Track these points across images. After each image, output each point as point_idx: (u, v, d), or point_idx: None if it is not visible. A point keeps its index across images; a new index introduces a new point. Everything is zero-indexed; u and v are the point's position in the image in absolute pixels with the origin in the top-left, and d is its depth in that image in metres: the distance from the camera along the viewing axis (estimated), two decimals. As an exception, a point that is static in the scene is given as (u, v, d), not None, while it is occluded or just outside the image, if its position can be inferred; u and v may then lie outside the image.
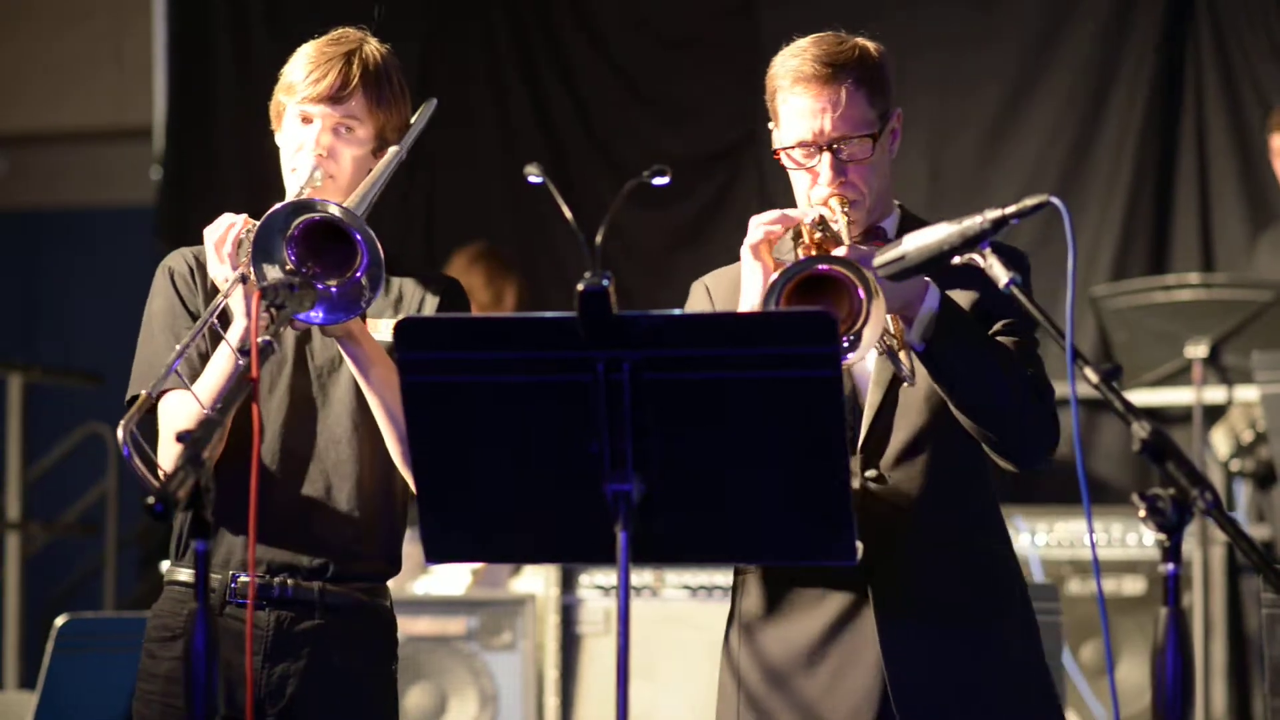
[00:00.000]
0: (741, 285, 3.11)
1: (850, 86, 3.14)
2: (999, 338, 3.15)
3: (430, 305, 3.36)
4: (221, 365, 3.21)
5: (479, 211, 8.15)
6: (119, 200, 9.22)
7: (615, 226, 2.72)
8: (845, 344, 2.93)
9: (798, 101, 3.15)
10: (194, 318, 3.31)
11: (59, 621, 4.21)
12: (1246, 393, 6.46)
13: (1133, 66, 7.50)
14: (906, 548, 3.13)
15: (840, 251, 3.03)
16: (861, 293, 2.95)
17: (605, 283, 2.57)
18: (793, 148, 3.16)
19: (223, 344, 3.20)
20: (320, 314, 3.10)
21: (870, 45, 3.20)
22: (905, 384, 3.11)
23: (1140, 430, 2.61)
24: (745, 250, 3.11)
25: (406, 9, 8.11)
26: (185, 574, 3.31)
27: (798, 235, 3.14)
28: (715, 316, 2.94)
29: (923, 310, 3.03)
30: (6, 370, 7.75)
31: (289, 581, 3.26)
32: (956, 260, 2.87)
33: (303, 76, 3.32)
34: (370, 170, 3.34)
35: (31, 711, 4.18)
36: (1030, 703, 3.19)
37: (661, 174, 2.95)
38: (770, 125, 3.24)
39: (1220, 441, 6.60)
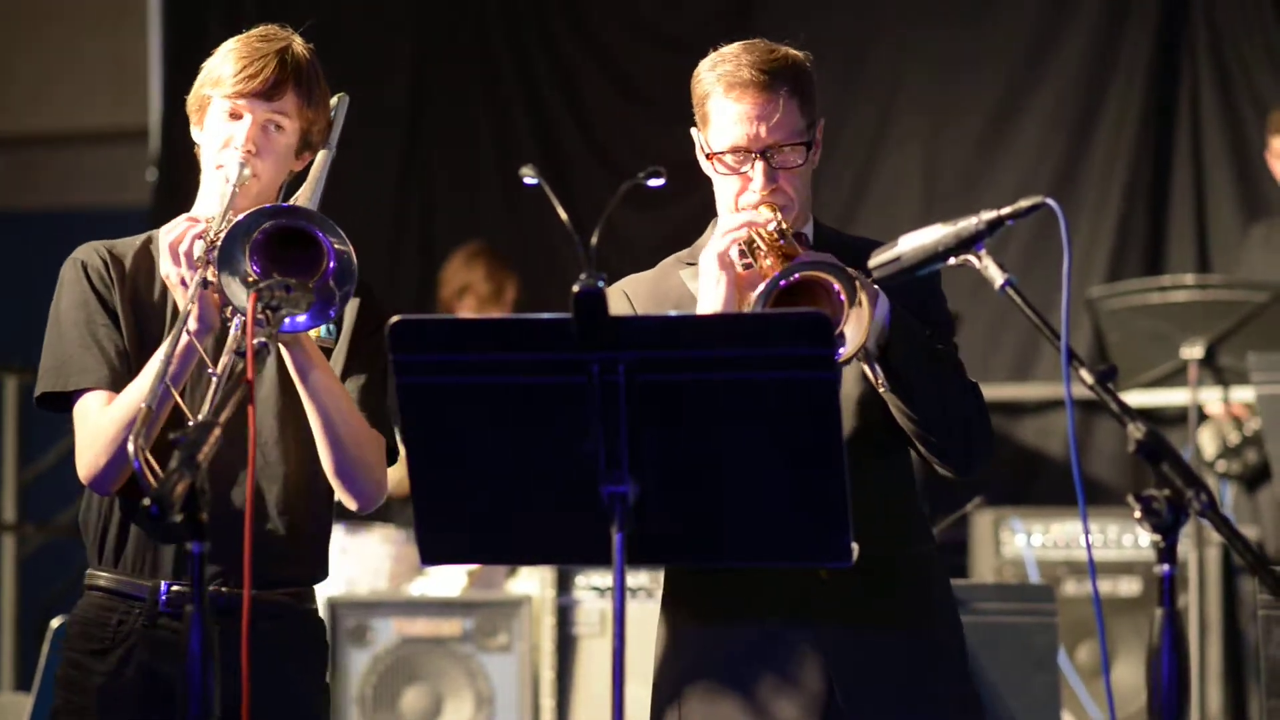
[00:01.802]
0: (700, 293, 3.10)
1: (785, 94, 3.15)
2: None
3: (349, 305, 3.26)
4: (157, 367, 3.07)
5: (475, 213, 8.15)
6: (115, 202, 9.19)
7: (610, 228, 2.72)
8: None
9: (734, 108, 3.15)
10: (110, 314, 3.23)
11: (54, 623, 4.20)
12: (1242, 394, 6.46)
13: (1129, 68, 7.50)
14: None
15: (808, 257, 3.01)
16: (843, 295, 2.94)
17: (600, 284, 2.57)
18: (725, 153, 3.16)
19: (164, 344, 3.09)
20: (305, 319, 3.04)
21: (800, 54, 3.21)
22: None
23: (1135, 431, 2.61)
24: (712, 259, 3.08)
25: (402, 9, 8.11)
26: (106, 578, 3.23)
27: (750, 243, 3.10)
28: (710, 318, 2.93)
29: (877, 316, 3.00)
30: (2, 372, 7.73)
31: (223, 590, 3.13)
32: (952, 261, 2.87)
33: (234, 71, 3.26)
34: (288, 172, 3.29)
35: (27, 713, 4.18)
36: (965, 703, 3.21)
37: (656, 175, 2.95)
38: (694, 130, 3.23)
39: (1207, 442, 6.59)
